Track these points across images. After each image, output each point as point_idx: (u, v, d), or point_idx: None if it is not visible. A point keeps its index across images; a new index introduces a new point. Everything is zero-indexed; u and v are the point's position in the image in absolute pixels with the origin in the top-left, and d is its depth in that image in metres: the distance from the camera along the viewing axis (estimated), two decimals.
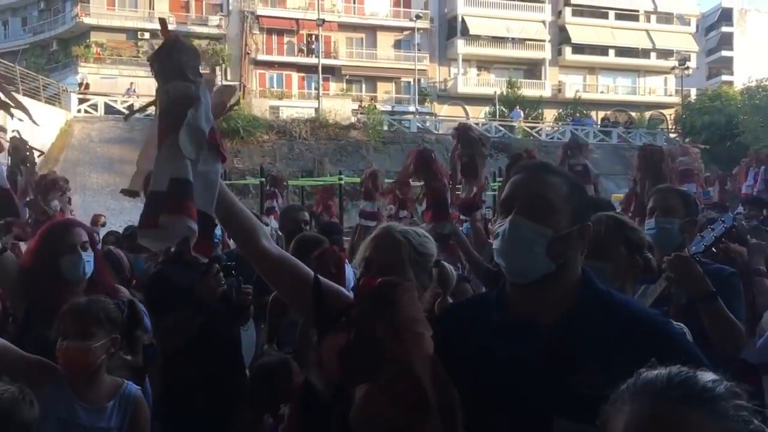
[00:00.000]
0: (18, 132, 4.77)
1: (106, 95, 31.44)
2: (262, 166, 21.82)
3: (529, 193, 1.61)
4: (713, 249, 2.72)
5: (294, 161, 28.57)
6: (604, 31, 45.77)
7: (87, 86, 33.38)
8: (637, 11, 47.07)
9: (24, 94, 26.08)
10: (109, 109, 30.09)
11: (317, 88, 36.70)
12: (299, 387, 2.22)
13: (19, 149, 4.72)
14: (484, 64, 45.12)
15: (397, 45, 43.32)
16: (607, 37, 45.85)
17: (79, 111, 29.38)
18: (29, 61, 35.93)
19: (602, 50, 46.18)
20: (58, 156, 25.35)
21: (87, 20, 37.49)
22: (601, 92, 46.49)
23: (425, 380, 1.45)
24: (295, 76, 41.04)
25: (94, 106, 29.97)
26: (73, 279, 2.84)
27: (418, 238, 1.96)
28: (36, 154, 5.04)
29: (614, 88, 47.00)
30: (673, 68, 41.61)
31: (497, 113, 39.74)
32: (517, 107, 39.04)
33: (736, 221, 3.03)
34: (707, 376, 1.07)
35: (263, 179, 19.37)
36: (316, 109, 33.67)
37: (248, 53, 38.69)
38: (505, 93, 41.25)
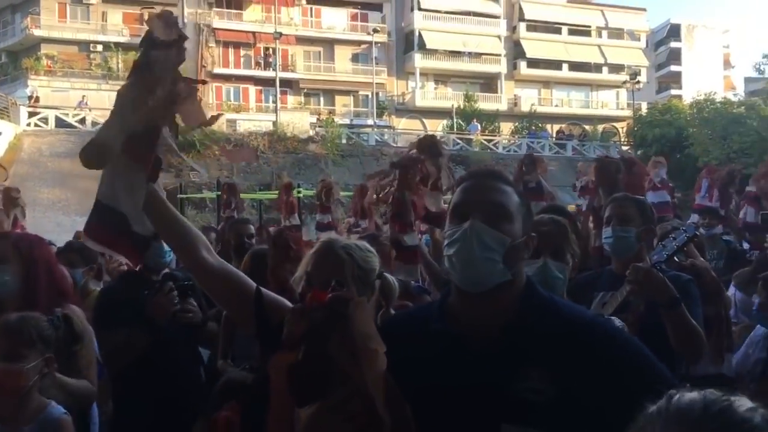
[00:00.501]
0: None
1: (57, 108, 30.75)
2: (218, 180, 21.55)
3: (487, 199, 1.57)
4: (675, 258, 2.73)
5: (252, 175, 28.32)
6: (557, 46, 46.67)
7: (37, 99, 32.61)
8: (589, 27, 48.16)
9: None
10: (60, 123, 29.43)
11: (275, 102, 36.51)
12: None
13: None
14: (442, 78, 45.51)
15: (355, 58, 43.41)
16: (560, 52, 46.77)
17: (29, 124, 28.67)
18: None
19: (556, 65, 47.07)
20: (7, 170, 24.63)
21: (37, 32, 36.68)
22: (556, 106, 47.30)
23: (379, 398, 1.39)
24: (253, 89, 40.76)
25: (45, 120, 29.28)
26: None
27: (360, 253, 1.91)
28: None
29: (568, 102, 47.89)
30: (625, 82, 42.57)
31: (455, 126, 40.06)
32: (474, 120, 39.42)
33: (697, 231, 3.04)
34: (743, 405, 1.01)
35: (219, 193, 19.18)
36: (274, 123, 33.48)
37: (204, 66, 38.31)
38: (462, 106, 41.58)
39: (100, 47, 37.28)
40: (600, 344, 1.52)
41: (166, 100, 1.74)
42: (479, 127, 38.95)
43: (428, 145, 4.30)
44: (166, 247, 3.22)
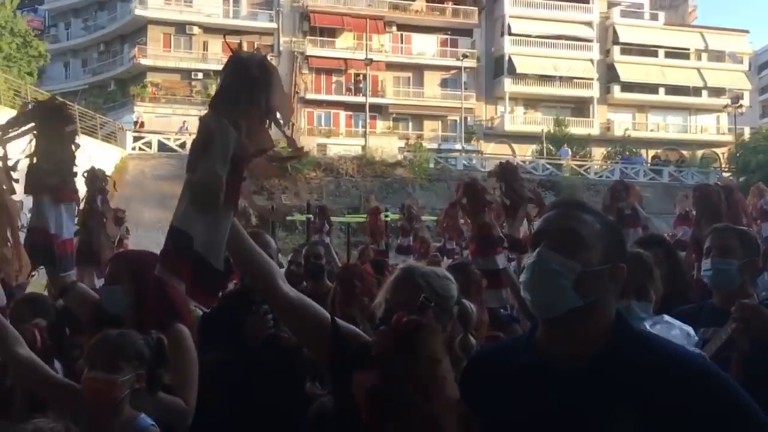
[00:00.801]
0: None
1: (159, 133, 32.35)
2: (308, 203, 22.03)
3: (559, 227, 1.59)
4: None
5: (340, 198, 28.81)
6: (653, 69, 45.27)
7: (142, 124, 34.45)
8: (688, 49, 46.50)
9: (82, 132, 27.04)
10: (162, 147, 30.92)
11: (364, 126, 37.12)
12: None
13: (96, 179, 4.87)
14: (531, 103, 45.01)
15: (444, 83, 43.59)
16: (656, 76, 45.33)
17: (134, 148, 30.29)
18: (88, 100, 37.27)
19: (652, 88, 45.61)
20: (113, 192, 26.05)
21: (144, 61, 38.88)
22: (651, 130, 45.81)
23: (449, 424, 1.42)
24: (343, 114, 41.59)
25: (148, 144, 30.86)
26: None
27: (438, 281, 1.91)
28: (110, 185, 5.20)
29: (664, 126, 46.27)
30: (726, 106, 40.87)
31: (544, 151, 39.49)
32: (565, 145, 38.78)
33: None
34: None
35: (310, 216, 19.59)
36: (363, 147, 33.99)
37: (297, 92, 39.45)
38: (552, 131, 41.03)
39: (200, 75, 39.10)
40: (695, 383, 1.46)
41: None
42: (570, 152, 38.21)
43: (504, 171, 4.28)
44: None
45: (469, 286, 2.78)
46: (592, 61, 44.61)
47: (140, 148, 30.49)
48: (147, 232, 24.49)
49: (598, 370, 1.48)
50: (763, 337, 2.37)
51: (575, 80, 44.39)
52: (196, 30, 39.86)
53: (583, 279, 1.53)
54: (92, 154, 26.03)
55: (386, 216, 17.69)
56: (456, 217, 6.01)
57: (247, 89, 1.77)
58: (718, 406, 1.43)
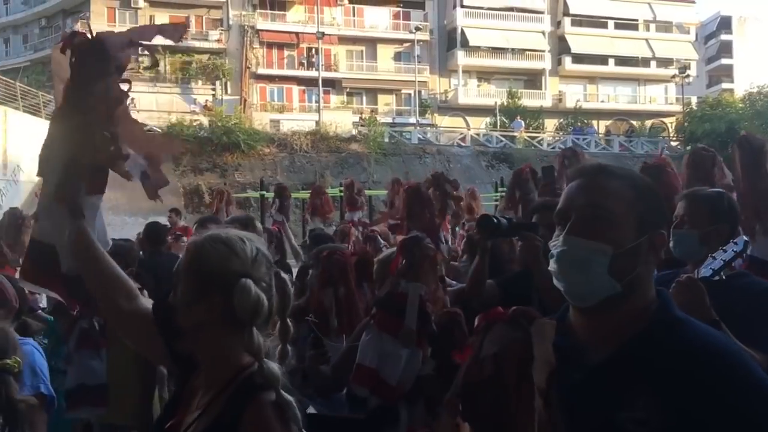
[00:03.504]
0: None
1: None
2: (262, 180, 21.79)
3: (585, 203, 1.42)
4: (721, 275, 2.38)
5: (295, 174, 28.57)
6: (603, 41, 45.81)
7: None
8: (636, 20, 47.16)
9: (24, 111, 26.15)
10: None
11: (318, 101, 36.76)
12: None
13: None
14: (485, 75, 45.14)
15: (398, 57, 43.36)
16: (606, 47, 45.89)
17: None
18: (30, 78, 35.97)
19: (602, 59, 46.19)
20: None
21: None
22: (602, 101, 46.44)
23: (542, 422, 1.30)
24: (296, 89, 41.07)
25: None
26: None
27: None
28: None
29: (615, 97, 46.95)
30: (674, 76, 41.62)
31: (498, 124, 39.73)
32: (518, 117, 39.03)
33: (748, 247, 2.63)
34: None
35: (263, 192, 19.37)
36: (317, 122, 33.71)
37: (248, 67, 38.77)
38: (505, 103, 41.25)
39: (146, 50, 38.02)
40: (729, 378, 1.29)
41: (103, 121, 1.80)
42: (523, 124, 38.54)
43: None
44: None
45: (422, 261, 2.74)
46: (543, 33, 44.86)
47: None
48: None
49: (630, 356, 1.35)
50: (695, 315, 2.28)
51: (527, 52, 44.60)
52: (141, 3, 38.67)
53: (618, 260, 1.37)
54: (36, 132, 25.19)
55: (341, 191, 17.68)
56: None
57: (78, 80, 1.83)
58: (751, 405, 1.28)
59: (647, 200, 1.43)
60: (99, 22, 38.26)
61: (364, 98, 43.03)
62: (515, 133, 37.39)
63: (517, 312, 1.43)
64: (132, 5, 38.73)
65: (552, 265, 1.44)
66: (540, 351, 1.33)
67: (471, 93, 44.06)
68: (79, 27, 37.45)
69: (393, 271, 2.78)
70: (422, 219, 4.08)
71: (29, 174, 21.52)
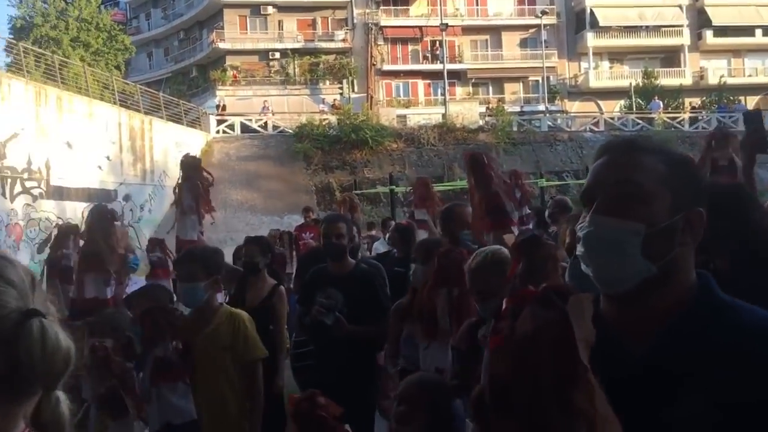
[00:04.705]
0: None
1: (241, 115, 32.92)
2: (391, 175, 21.90)
3: (614, 180, 1.28)
4: None
5: (423, 168, 28.50)
6: (748, 10, 42.38)
7: (224, 108, 35.14)
8: None
9: (168, 119, 27.84)
10: (245, 128, 31.46)
11: (443, 94, 36.60)
12: None
13: (191, 167, 4.86)
14: (617, 56, 43.24)
15: (524, 43, 42.43)
16: (752, 16, 42.42)
17: (217, 132, 30.93)
18: (172, 88, 38.38)
19: (748, 31, 42.74)
20: (212, 176, 26.78)
21: (222, 45, 39.56)
22: (749, 76, 43.14)
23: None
24: (421, 83, 41.18)
25: (231, 126, 31.44)
26: None
27: None
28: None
29: (764, 71, 43.40)
30: None
31: (633, 106, 37.92)
32: (656, 98, 37.10)
33: None
34: None
35: (393, 187, 19.47)
36: (443, 115, 33.55)
37: (374, 64, 39.24)
38: (641, 84, 39.35)
39: (277, 54, 39.50)
40: None
41: None
42: (661, 105, 36.53)
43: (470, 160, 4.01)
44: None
45: (546, 261, 2.38)
46: (680, 6, 42.23)
47: (224, 131, 31.09)
48: (235, 212, 25.11)
49: (673, 346, 1.21)
50: None
51: (663, 29, 42.20)
52: (270, 10, 40.14)
53: (652, 240, 1.24)
54: (179, 140, 26.78)
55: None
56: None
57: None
58: None
59: (682, 176, 1.30)
60: (232, 30, 40.19)
61: (490, 88, 42.48)
62: (653, 115, 35.55)
63: (548, 289, 1.28)
64: (261, 12, 40.31)
65: (579, 249, 1.31)
66: (580, 328, 1.18)
67: (603, 75, 42.50)
68: (214, 37, 39.56)
69: (511, 276, 2.46)
70: (489, 183, 3.75)
71: (174, 179, 22.88)
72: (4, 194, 18.74)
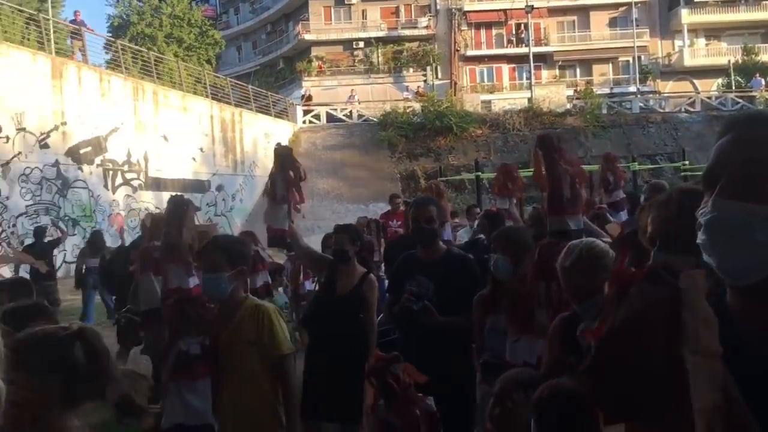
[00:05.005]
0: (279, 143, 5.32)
1: (327, 105, 33.38)
2: (476, 161, 21.70)
3: (741, 159, 1.15)
4: None
5: (508, 154, 28.07)
6: None
7: (310, 98, 35.73)
8: None
9: (257, 111, 28.57)
10: (331, 118, 31.89)
11: (529, 78, 35.87)
12: None
13: (285, 156, 4.99)
14: (714, 32, 41.11)
15: (613, 23, 40.98)
16: None
17: (304, 122, 31.49)
18: (260, 80, 39.31)
19: None
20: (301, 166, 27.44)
21: (308, 36, 40.18)
22: None
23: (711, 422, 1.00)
24: (506, 68, 40.50)
25: (317, 116, 31.95)
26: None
27: None
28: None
29: None
30: None
31: (732, 84, 35.96)
32: (757, 75, 35.05)
33: None
34: None
35: (479, 174, 19.27)
36: (529, 99, 32.92)
37: (458, 50, 38.86)
38: (740, 61, 37.25)
39: (361, 44, 39.78)
40: None
41: None
42: (763, 82, 34.49)
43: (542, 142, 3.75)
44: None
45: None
46: None
47: (310, 121, 31.62)
48: (322, 201, 25.56)
49: None
50: None
51: (764, 2, 39.79)
52: (354, 0, 40.48)
53: None
54: (268, 131, 27.46)
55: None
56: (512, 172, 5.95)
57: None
58: None
59: None
60: (317, 21, 40.73)
61: (578, 70, 41.34)
62: (754, 93, 33.59)
63: (656, 266, 1.15)
64: (346, 2, 40.66)
65: (700, 237, 1.17)
66: (697, 306, 1.04)
67: (698, 53, 40.52)
68: (300, 29, 40.22)
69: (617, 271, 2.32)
70: (552, 167, 3.51)
71: (263, 169, 23.52)
72: (106, 186, 19.80)
